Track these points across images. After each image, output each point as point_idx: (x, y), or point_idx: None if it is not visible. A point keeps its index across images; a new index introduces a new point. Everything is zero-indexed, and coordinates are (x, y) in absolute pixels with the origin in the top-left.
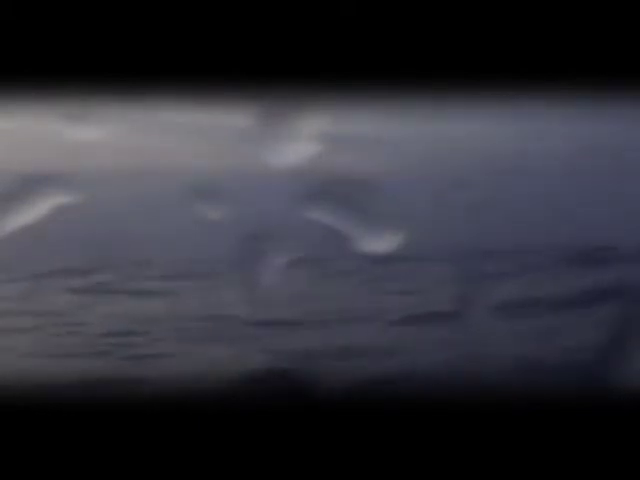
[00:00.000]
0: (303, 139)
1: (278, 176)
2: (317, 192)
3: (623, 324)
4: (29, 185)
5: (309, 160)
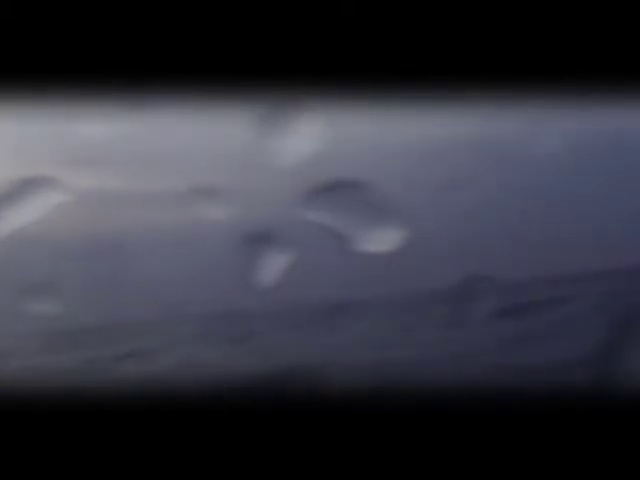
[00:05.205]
0: (303, 139)
1: (278, 176)
2: (317, 192)
3: (623, 324)
4: (28, 185)
5: (309, 160)
